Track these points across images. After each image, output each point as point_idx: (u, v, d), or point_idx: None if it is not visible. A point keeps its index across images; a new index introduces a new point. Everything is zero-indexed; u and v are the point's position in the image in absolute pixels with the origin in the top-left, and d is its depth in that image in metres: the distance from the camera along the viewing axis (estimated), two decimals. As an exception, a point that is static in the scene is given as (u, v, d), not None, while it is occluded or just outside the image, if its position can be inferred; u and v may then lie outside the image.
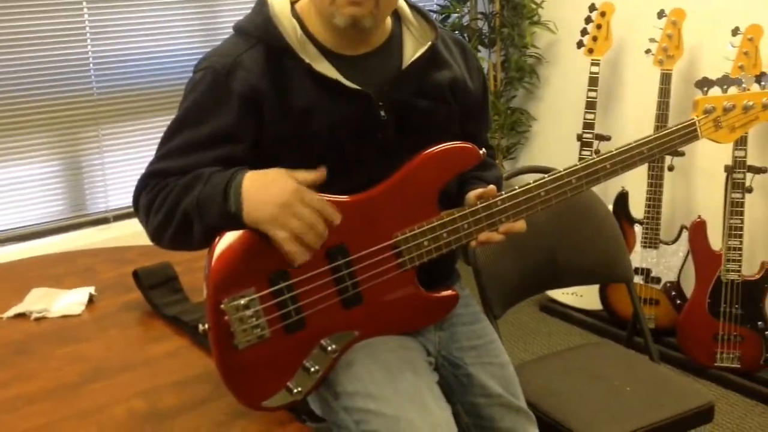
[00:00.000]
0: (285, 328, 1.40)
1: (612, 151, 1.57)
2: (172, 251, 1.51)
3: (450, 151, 1.48)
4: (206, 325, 1.37)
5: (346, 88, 1.46)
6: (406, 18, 1.58)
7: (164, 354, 1.65)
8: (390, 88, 1.50)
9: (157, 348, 1.68)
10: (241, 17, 1.53)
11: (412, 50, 1.55)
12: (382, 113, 1.50)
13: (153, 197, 1.43)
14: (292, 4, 1.52)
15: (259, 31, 1.47)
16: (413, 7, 1.60)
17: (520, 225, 1.52)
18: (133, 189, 1.49)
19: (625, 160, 1.57)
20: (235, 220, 1.36)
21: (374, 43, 1.53)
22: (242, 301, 1.36)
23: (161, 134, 1.49)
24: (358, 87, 1.47)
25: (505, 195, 1.50)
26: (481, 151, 1.49)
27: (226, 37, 1.53)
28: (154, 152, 1.49)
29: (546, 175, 1.53)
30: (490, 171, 1.68)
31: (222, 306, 1.34)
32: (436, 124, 1.55)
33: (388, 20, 1.55)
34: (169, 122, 1.48)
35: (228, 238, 1.37)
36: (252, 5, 1.53)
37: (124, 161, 3.24)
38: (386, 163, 1.47)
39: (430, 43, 1.54)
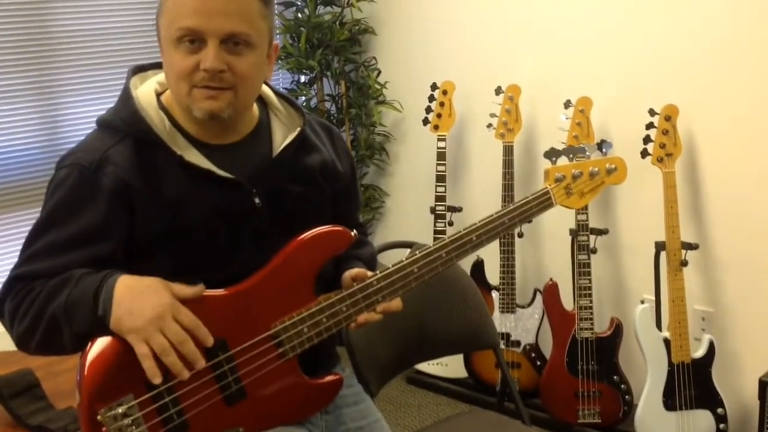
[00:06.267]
0: (167, 432, 1.34)
1: (476, 224, 1.62)
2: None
3: (322, 236, 1.49)
4: (82, 438, 1.29)
5: (218, 178, 1.45)
6: (273, 105, 1.60)
7: (32, 469, 1.54)
8: (263, 175, 1.50)
9: (23, 463, 1.56)
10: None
11: (282, 136, 1.56)
12: (257, 200, 1.49)
13: (19, 302, 1.36)
14: (158, 95, 1.50)
15: (126, 124, 1.44)
16: (279, 94, 1.61)
17: (397, 304, 1.54)
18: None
19: (489, 231, 1.63)
20: (104, 326, 1.30)
21: (242, 132, 1.53)
22: (120, 410, 1.29)
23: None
24: (230, 175, 1.46)
25: (380, 274, 1.51)
26: (352, 232, 1.51)
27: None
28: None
29: (417, 252, 1.56)
30: (363, 248, 1.70)
31: (99, 417, 1.27)
32: (309, 208, 1.56)
33: (255, 108, 1.56)
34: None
35: (100, 344, 1.31)
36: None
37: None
38: (262, 251, 1.46)
39: (299, 128, 1.56)
